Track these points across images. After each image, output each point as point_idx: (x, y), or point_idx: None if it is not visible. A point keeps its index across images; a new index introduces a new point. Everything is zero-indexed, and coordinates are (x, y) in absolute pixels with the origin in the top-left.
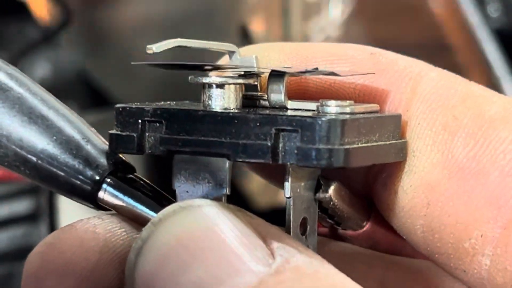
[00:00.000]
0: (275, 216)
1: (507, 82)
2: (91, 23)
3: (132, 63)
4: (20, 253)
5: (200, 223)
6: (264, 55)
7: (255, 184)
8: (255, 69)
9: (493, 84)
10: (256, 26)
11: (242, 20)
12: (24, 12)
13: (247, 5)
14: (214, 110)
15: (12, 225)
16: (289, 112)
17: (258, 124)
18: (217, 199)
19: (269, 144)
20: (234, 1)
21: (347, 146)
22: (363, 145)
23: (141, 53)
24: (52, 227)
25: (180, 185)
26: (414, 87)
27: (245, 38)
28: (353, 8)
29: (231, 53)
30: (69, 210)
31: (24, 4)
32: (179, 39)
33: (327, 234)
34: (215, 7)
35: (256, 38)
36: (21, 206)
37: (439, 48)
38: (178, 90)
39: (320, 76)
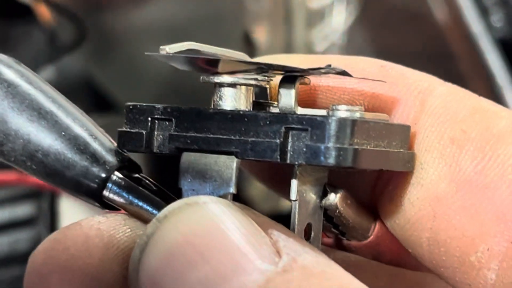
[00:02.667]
0: (279, 222)
1: (509, 91)
2: (96, 27)
3: (146, 53)
4: (22, 257)
5: (205, 220)
6: None
7: (257, 190)
8: (268, 64)
9: (495, 93)
10: (260, 33)
11: (245, 28)
12: (30, 15)
13: (251, 12)
14: (224, 108)
15: (13, 229)
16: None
17: (268, 122)
18: (223, 197)
19: (278, 141)
20: (238, 9)
21: (356, 147)
22: (372, 148)
23: (145, 58)
24: (54, 231)
25: (186, 184)
26: (423, 101)
27: (248, 45)
28: (357, 16)
29: None
30: (70, 214)
31: (29, 7)
32: (192, 43)
33: (331, 245)
34: (219, 14)
35: (259, 46)
36: (22, 210)
37: (442, 57)
38: (183, 96)
39: (330, 83)
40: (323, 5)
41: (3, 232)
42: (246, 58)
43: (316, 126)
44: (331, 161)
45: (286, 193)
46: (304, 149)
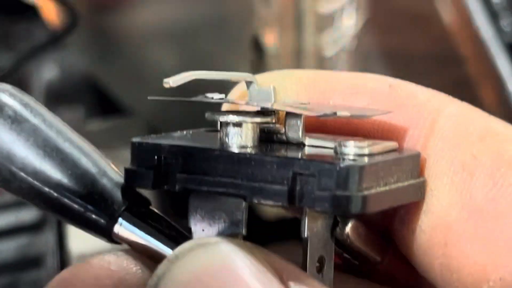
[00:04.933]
0: (284, 226)
1: None
2: (101, 27)
3: (149, 98)
4: (26, 262)
5: (217, 260)
6: (281, 85)
7: None
8: (271, 107)
9: (504, 99)
10: (269, 38)
11: (254, 32)
12: (32, 14)
13: (260, 16)
14: (230, 149)
15: (19, 234)
16: (307, 150)
17: (275, 166)
18: (233, 237)
19: (286, 188)
20: (247, 12)
21: (366, 193)
22: (382, 189)
23: (151, 61)
24: (60, 236)
25: (196, 224)
26: (432, 123)
27: (257, 49)
28: (366, 19)
29: (248, 83)
30: None
31: (33, 5)
32: (196, 72)
33: (344, 269)
34: (228, 17)
35: (268, 50)
36: (28, 214)
37: (451, 60)
38: (189, 96)
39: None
40: (333, 9)
41: (9, 237)
42: (252, 78)
43: (323, 173)
44: (340, 209)
45: (292, 210)
46: (313, 196)
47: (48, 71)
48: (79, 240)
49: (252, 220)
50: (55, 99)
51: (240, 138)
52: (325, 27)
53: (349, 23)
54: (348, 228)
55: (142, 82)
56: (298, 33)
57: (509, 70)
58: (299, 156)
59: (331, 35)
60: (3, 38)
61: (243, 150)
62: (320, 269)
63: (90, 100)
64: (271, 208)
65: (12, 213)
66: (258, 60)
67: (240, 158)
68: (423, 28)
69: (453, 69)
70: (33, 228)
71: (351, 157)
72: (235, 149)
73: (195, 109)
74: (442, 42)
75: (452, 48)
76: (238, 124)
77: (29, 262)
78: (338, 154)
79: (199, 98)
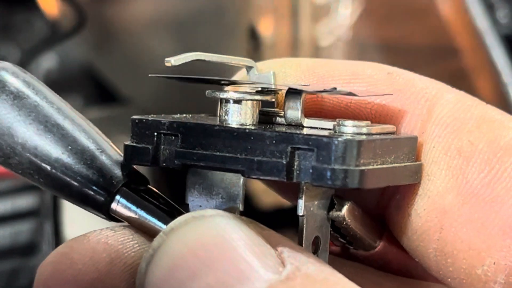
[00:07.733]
0: (279, 216)
1: None
2: (100, 17)
3: (150, 75)
4: (23, 249)
5: (211, 232)
6: (281, 71)
7: (259, 184)
8: (272, 86)
9: (500, 91)
10: (265, 27)
11: (250, 21)
12: (31, 4)
13: (256, 6)
14: (230, 125)
15: (16, 221)
16: (305, 130)
17: (274, 141)
18: (230, 212)
19: (284, 162)
20: (243, 2)
21: (363, 168)
22: (379, 166)
23: (148, 50)
24: (56, 223)
25: (193, 199)
26: (430, 109)
27: (253, 39)
28: (362, 10)
29: (248, 68)
30: (73, 206)
31: None
32: (198, 53)
33: (338, 253)
34: (224, 7)
35: (264, 39)
36: (25, 201)
37: (447, 51)
38: (184, 88)
39: (338, 95)
40: None
41: (5, 224)
42: (252, 63)
43: (322, 147)
44: (338, 183)
45: (289, 195)
46: (311, 170)
47: (47, 61)
48: (75, 228)
49: (248, 212)
50: (54, 88)
51: (239, 116)
52: (321, 17)
53: (345, 13)
54: (345, 210)
55: (139, 72)
56: (294, 22)
57: (505, 61)
58: (298, 132)
59: (326, 25)
60: (4, 29)
61: (242, 127)
62: (315, 250)
63: (88, 89)
64: (269, 198)
65: (8, 200)
66: (254, 50)
67: (240, 133)
68: (420, 20)
69: (449, 61)
70: (29, 215)
71: (350, 136)
72: (234, 126)
73: (191, 98)
74: (438, 34)
75: (448, 40)
76: (238, 101)
77: (25, 249)
78: (337, 132)
79: (202, 77)
